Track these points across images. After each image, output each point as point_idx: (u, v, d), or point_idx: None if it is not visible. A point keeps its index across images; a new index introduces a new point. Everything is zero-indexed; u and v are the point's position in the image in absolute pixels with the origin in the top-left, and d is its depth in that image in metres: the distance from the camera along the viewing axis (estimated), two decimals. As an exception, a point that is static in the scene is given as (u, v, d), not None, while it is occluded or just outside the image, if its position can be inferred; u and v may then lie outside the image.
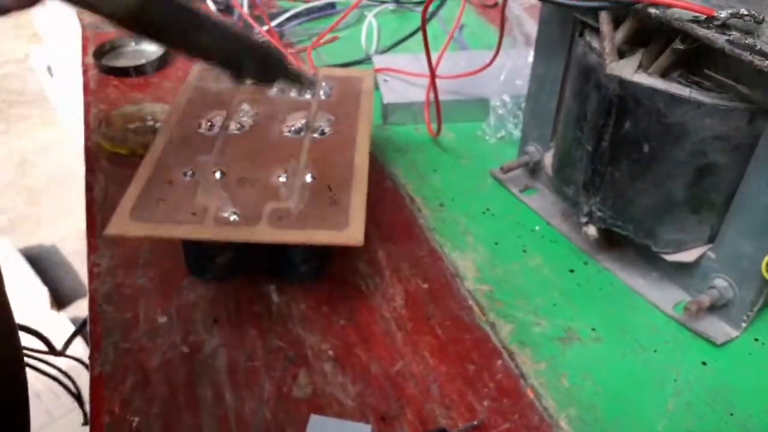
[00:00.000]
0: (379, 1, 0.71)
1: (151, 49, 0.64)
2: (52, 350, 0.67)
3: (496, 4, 0.75)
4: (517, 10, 0.58)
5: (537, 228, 0.45)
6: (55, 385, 0.99)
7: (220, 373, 0.35)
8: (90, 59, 0.62)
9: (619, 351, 0.37)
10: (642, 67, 0.35)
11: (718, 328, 0.38)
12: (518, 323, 0.38)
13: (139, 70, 0.60)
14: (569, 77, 0.41)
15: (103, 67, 0.60)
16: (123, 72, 0.60)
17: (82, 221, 0.44)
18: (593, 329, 0.38)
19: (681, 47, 0.32)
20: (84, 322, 0.84)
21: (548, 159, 0.46)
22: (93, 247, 0.42)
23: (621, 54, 0.36)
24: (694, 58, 0.33)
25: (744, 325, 0.37)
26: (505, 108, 0.53)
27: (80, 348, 0.99)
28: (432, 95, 0.50)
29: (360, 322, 0.38)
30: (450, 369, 0.36)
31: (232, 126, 0.42)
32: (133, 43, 0.65)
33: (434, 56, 0.50)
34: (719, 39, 0.30)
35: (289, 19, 0.68)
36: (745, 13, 0.30)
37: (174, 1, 0.28)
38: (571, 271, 0.42)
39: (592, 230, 0.40)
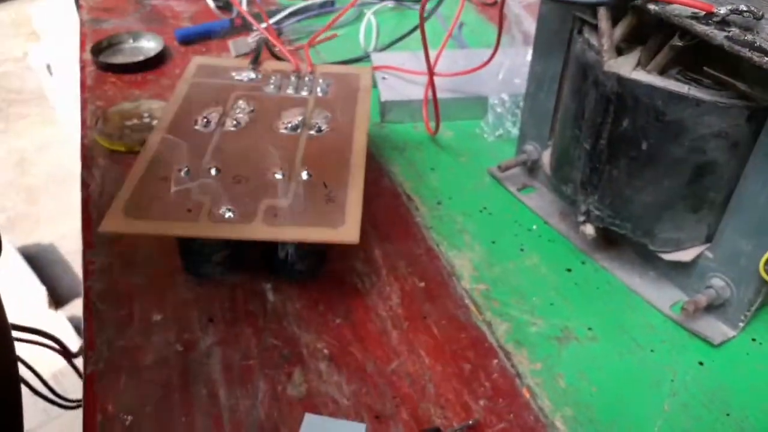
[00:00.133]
0: (378, -2, 0.71)
1: (149, 46, 0.64)
2: (66, 353, 0.67)
3: (495, 3, 0.74)
4: (516, 8, 0.58)
5: (534, 227, 0.45)
6: (53, 384, 0.99)
7: (214, 372, 0.35)
8: (87, 56, 0.61)
9: (616, 351, 0.37)
10: (640, 64, 0.35)
11: (715, 328, 0.38)
12: (514, 322, 0.38)
13: (138, 66, 0.60)
14: (567, 75, 0.41)
15: (101, 64, 0.60)
16: (121, 68, 0.60)
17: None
18: (590, 329, 0.38)
19: (679, 44, 0.32)
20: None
21: (546, 157, 0.46)
22: (88, 244, 0.42)
23: (619, 51, 0.36)
24: (693, 55, 0.33)
25: (741, 325, 0.37)
26: (504, 106, 0.53)
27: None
28: (430, 93, 0.50)
29: (356, 320, 0.38)
30: (446, 368, 0.35)
31: (228, 123, 0.42)
32: (131, 40, 0.65)
33: (433, 54, 0.50)
34: (718, 35, 0.30)
35: (287, 17, 0.67)
36: (745, 9, 0.29)
37: None
38: (569, 270, 0.42)
39: (589, 229, 0.40)
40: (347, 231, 0.35)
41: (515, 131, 0.52)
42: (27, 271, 1.20)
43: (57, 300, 1.19)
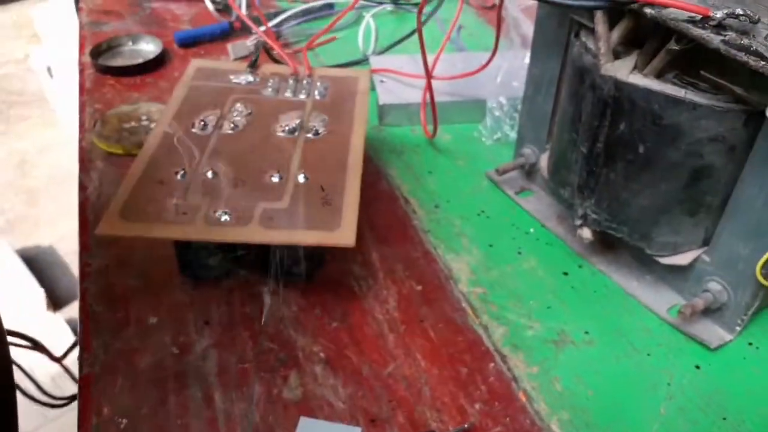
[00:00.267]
0: (377, 2, 0.71)
1: (148, 49, 0.64)
2: (50, 356, 0.67)
3: (494, 6, 0.74)
4: (514, 11, 0.58)
5: (532, 230, 0.45)
6: (51, 386, 0.99)
7: (210, 375, 0.34)
8: (86, 58, 0.61)
9: (613, 354, 0.37)
10: (637, 68, 0.35)
11: (712, 331, 0.38)
12: (511, 326, 0.38)
13: (137, 69, 0.60)
14: (565, 78, 0.41)
15: (100, 67, 0.60)
16: (120, 71, 0.60)
17: (80, 222, 0.44)
18: (587, 332, 0.38)
19: (676, 48, 0.32)
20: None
21: (544, 161, 0.46)
22: (85, 246, 0.42)
23: (616, 55, 0.36)
24: (690, 58, 0.33)
25: (738, 328, 0.37)
26: (502, 110, 0.53)
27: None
28: (428, 96, 0.50)
29: (352, 323, 0.38)
30: (442, 371, 0.35)
31: (226, 126, 0.42)
32: (130, 43, 0.65)
33: (431, 57, 0.50)
34: (714, 39, 0.30)
35: (287, 20, 0.67)
36: (741, 13, 0.29)
37: None
38: (566, 273, 0.42)
39: (586, 232, 0.40)
40: (343, 234, 0.35)
41: (513, 135, 0.52)
42: (26, 273, 1.20)
43: (55, 302, 1.19)
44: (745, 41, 0.29)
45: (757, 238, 0.34)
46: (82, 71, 0.60)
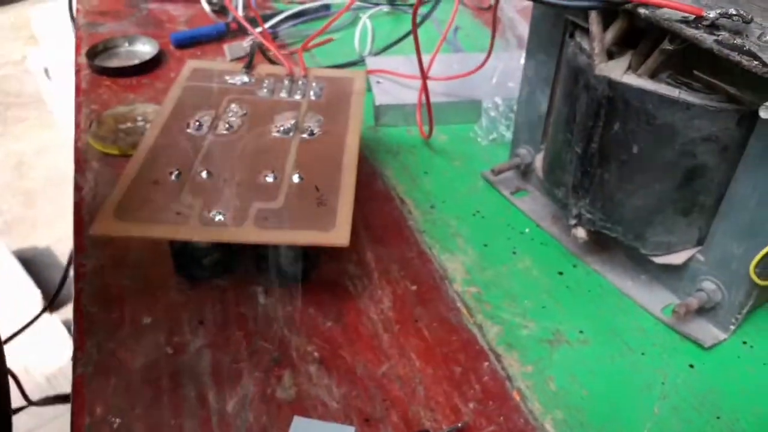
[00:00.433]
0: (374, 3, 0.71)
1: (144, 50, 0.64)
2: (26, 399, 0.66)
3: (490, 7, 0.74)
4: (510, 12, 0.58)
5: (527, 230, 0.45)
6: (47, 387, 0.99)
7: (203, 375, 0.34)
8: (83, 59, 0.61)
9: (607, 354, 0.37)
10: (631, 68, 0.35)
11: (706, 330, 0.38)
12: (506, 325, 0.38)
13: (133, 70, 0.60)
14: (559, 79, 0.41)
15: (96, 68, 0.60)
16: (116, 72, 0.60)
17: (76, 223, 0.44)
18: (581, 332, 0.38)
19: (670, 48, 0.32)
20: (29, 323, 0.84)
21: (539, 161, 0.46)
22: (80, 247, 0.42)
23: (611, 55, 0.36)
24: (684, 59, 0.33)
25: (732, 327, 0.37)
26: (497, 110, 0.53)
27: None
28: (424, 97, 0.50)
29: (347, 323, 0.38)
30: (436, 371, 0.35)
31: (221, 126, 0.42)
32: (126, 44, 0.65)
33: (427, 58, 0.50)
34: (707, 39, 0.30)
35: (283, 21, 0.67)
36: (734, 12, 0.30)
37: None
38: (561, 273, 0.42)
39: (581, 232, 0.40)
40: (338, 234, 0.35)
41: (509, 135, 0.52)
42: (23, 274, 1.20)
43: (52, 304, 1.18)
44: (738, 41, 0.29)
45: (750, 237, 0.34)
46: (78, 72, 0.60)
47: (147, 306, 0.38)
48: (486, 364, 0.36)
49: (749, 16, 0.30)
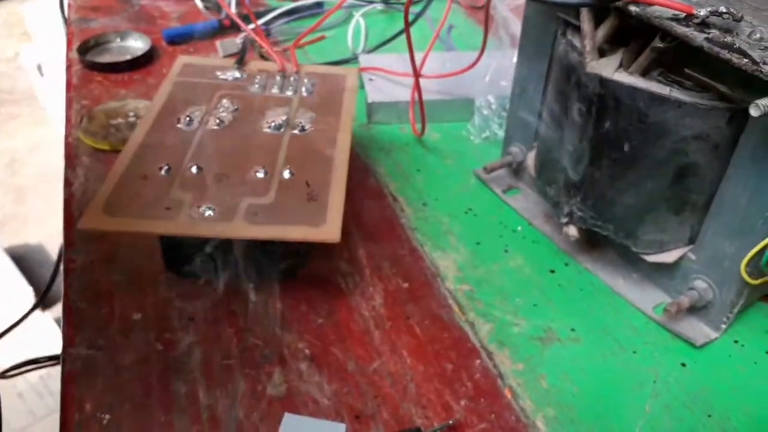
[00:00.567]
0: (367, 1, 0.71)
1: (136, 46, 0.64)
2: None
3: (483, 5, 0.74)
4: (504, 11, 0.58)
5: (519, 228, 0.45)
6: (39, 385, 0.98)
7: (194, 371, 0.34)
8: (74, 55, 0.61)
9: (599, 352, 0.37)
10: (623, 66, 0.35)
11: (697, 329, 0.38)
12: (497, 323, 0.38)
13: (125, 66, 0.60)
14: (551, 77, 0.41)
15: (88, 63, 0.60)
16: (107, 68, 0.59)
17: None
18: (573, 330, 0.38)
19: (660, 45, 0.32)
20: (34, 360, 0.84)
21: (531, 159, 0.46)
22: (70, 242, 0.41)
23: (602, 53, 0.36)
24: (675, 57, 0.33)
25: (724, 326, 0.37)
26: (490, 108, 0.53)
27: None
28: (417, 95, 0.50)
29: (338, 320, 0.38)
30: (427, 368, 0.35)
31: (212, 121, 0.42)
32: (118, 39, 0.64)
33: (420, 56, 0.50)
34: (698, 37, 0.30)
35: (276, 18, 0.67)
36: (724, 10, 0.30)
37: None
38: (552, 271, 0.42)
39: (572, 230, 0.40)
40: (328, 229, 0.34)
41: (501, 133, 0.52)
42: (14, 271, 1.20)
43: (44, 301, 1.18)
44: (728, 39, 0.29)
45: (741, 236, 0.34)
46: (69, 67, 0.60)
47: (137, 302, 0.38)
48: (477, 361, 0.36)
49: (739, 14, 0.30)
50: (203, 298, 0.38)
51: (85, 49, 0.62)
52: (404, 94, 0.54)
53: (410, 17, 0.46)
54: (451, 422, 0.32)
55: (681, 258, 0.38)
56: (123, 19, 0.69)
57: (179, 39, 0.65)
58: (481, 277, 0.41)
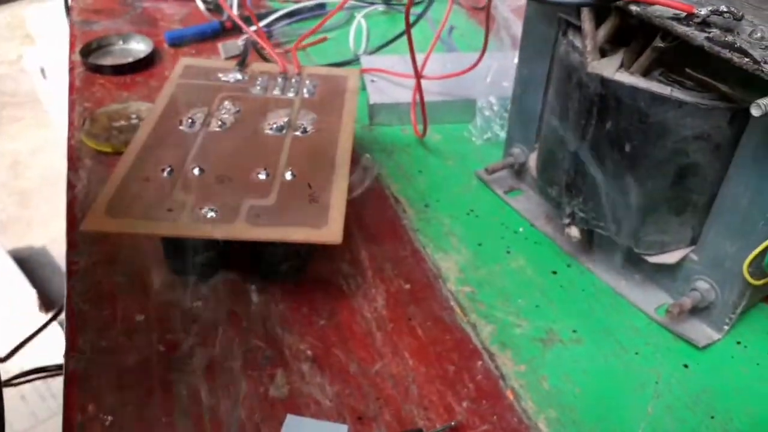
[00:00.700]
0: (369, 2, 0.71)
1: (138, 48, 0.64)
2: None
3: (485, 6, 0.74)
4: (505, 12, 0.58)
5: (521, 229, 0.45)
6: (41, 387, 0.99)
7: (196, 373, 0.34)
8: (77, 57, 0.61)
9: (601, 353, 0.37)
10: (623, 65, 0.35)
11: (700, 330, 0.38)
12: (499, 324, 0.38)
13: (127, 68, 0.60)
14: (552, 77, 0.41)
15: (90, 65, 0.60)
16: (110, 70, 0.60)
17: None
18: (575, 331, 0.38)
19: (661, 45, 0.32)
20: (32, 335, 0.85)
21: (533, 160, 0.46)
22: (72, 244, 0.41)
23: (603, 53, 0.36)
24: (676, 56, 0.33)
25: (726, 327, 0.37)
26: (492, 110, 0.53)
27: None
28: (418, 96, 0.50)
29: (340, 322, 0.38)
30: (429, 370, 0.35)
31: (214, 123, 0.42)
32: (120, 42, 0.65)
33: (421, 57, 0.50)
34: (698, 36, 0.30)
35: (278, 20, 0.67)
36: (725, 10, 0.30)
37: None
38: (554, 272, 0.42)
39: (574, 231, 0.40)
40: (330, 231, 0.34)
41: (503, 134, 0.52)
42: (18, 274, 1.20)
43: (47, 303, 1.18)
44: (729, 38, 0.29)
45: (743, 236, 0.34)
46: (72, 70, 0.60)
47: (139, 304, 0.38)
48: (479, 363, 0.36)
49: (740, 14, 0.30)
50: (205, 300, 0.38)
51: (87, 51, 0.62)
52: (406, 95, 0.54)
53: (411, 18, 0.46)
54: (453, 424, 0.32)
55: (683, 259, 0.38)
56: (125, 22, 0.69)
57: (181, 41, 0.65)
58: (483, 279, 0.41)
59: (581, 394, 0.35)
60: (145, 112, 0.53)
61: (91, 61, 0.60)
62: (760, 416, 0.34)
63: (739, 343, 0.38)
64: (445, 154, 0.52)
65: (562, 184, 0.40)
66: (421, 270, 0.42)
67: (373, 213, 0.46)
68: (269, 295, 0.39)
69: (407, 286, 0.40)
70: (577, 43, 0.37)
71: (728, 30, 0.30)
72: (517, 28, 0.57)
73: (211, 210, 0.35)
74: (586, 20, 0.35)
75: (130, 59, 0.61)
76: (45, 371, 0.99)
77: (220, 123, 0.42)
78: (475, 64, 0.52)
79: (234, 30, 0.66)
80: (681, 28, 0.30)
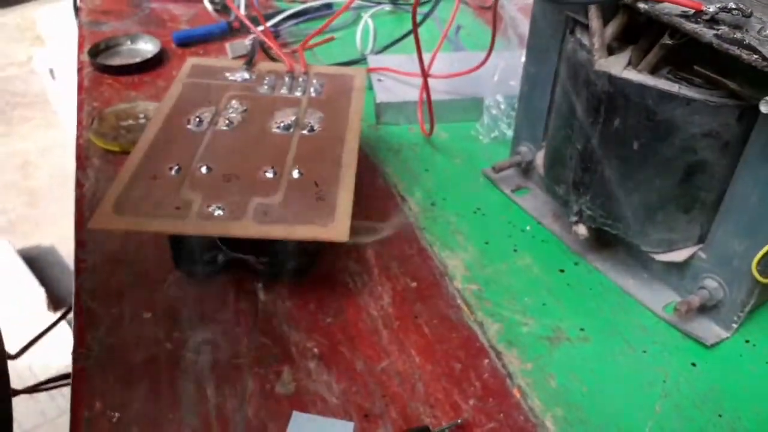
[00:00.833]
0: (376, 2, 0.71)
1: (146, 48, 0.64)
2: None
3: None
4: (512, 11, 0.58)
5: (528, 228, 0.45)
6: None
7: (203, 370, 0.34)
8: (85, 57, 0.61)
9: (608, 351, 0.37)
10: (631, 63, 0.35)
11: (708, 329, 0.37)
12: (506, 322, 0.38)
13: (135, 68, 0.60)
14: (560, 75, 0.41)
15: (98, 66, 0.60)
16: (118, 70, 0.60)
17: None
18: (582, 329, 0.38)
19: (669, 42, 0.32)
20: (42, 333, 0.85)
21: (540, 159, 0.46)
22: (81, 243, 0.42)
23: (611, 51, 0.36)
24: (684, 53, 0.33)
25: (735, 326, 0.37)
26: (499, 108, 0.53)
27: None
28: (425, 95, 0.50)
29: (347, 320, 0.38)
30: (436, 368, 0.35)
31: (221, 122, 0.42)
32: (128, 42, 0.65)
33: (428, 56, 0.50)
34: (707, 34, 0.30)
35: (285, 20, 0.67)
36: (734, 7, 0.29)
37: None
38: (562, 270, 0.42)
39: (582, 229, 0.40)
40: (337, 229, 0.34)
41: (510, 133, 0.51)
42: (27, 273, 1.21)
43: (56, 302, 1.19)
44: (738, 35, 0.29)
45: (752, 234, 0.34)
46: (80, 70, 0.61)
47: (147, 301, 0.38)
48: (486, 361, 0.36)
49: (749, 11, 0.30)
50: (212, 298, 0.38)
51: (96, 51, 0.62)
52: (413, 94, 0.54)
53: (418, 18, 0.46)
54: (459, 421, 0.32)
55: (691, 257, 0.38)
56: (133, 23, 0.69)
57: (189, 41, 0.65)
58: (490, 277, 0.41)
59: (588, 392, 0.34)
60: (153, 111, 0.53)
61: (99, 62, 0.60)
62: (768, 415, 0.34)
63: (747, 341, 0.38)
64: (452, 153, 0.52)
65: (569, 182, 0.40)
66: (427, 268, 0.42)
67: (380, 211, 0.46)
68: (276, 293, 0.39)
69: (414, 284, 0.40)
70: (585, 41, 0.37)
71: (737, 27, 0.29)
72: (525, 26, 0.57)
73: (219, 208, 0.35)
74: (594, 18, 0.35)
75: (138, 59, 0.61)
76: (67, 378, 0.99)
77: (227, 122, 0.42)
78: (482, 63, 0.52)
79: (241, 30, 0.66)
80: (689, 26, 0.30)
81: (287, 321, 0.37)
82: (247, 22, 0.55)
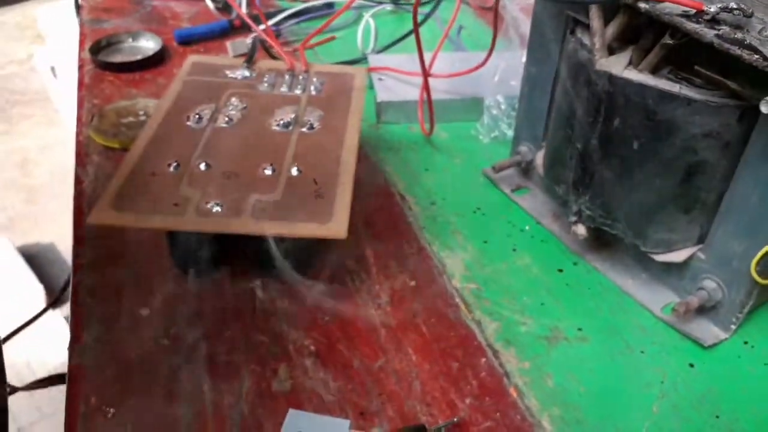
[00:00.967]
0: (377, 1, 0.71)
1: (147, 46, 0.64)
2: None
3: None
4: (513, 11, 0.58)
5: (527, 227, 0.45)
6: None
7: (199, 367, 0.34)
8: (86, 54, 0.61)
9: (606, 351, 0.37)
10: (632, 63, 0.35)
11: (706, 329, 0.37)
12: (504, 322, 0.38)
13: (136, 65, 0.60)
14: (560, 75, 0.41)
15: (99, 63, 0.60)
16: (119, 67, 0.60)
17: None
18: (580, 329, 0.38)
19: (670, 42, 0.32)
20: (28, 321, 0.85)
21: (540, 158, 0.45)
22: (78, 239, 0.42)
23: (611, 50, 0.36)
24: (685, 54, 0.33)
25: (733, 327, 0.37)
26: (499, 108, 0.53)
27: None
28: (425, 94, 0.50)
29: (345, 318, 0.38)
30: (433, 366, 0.35)
31: (221, 119, 0.42)
32: (130, 39, 0.65)
33: (429, 56, 0.50)
34: (708, 34, 0.30)
35: (286, 19, 0.68)
36: (735, 7, 0.29)
37: None
38: (560, 270, 0.42)
39: (581, 229, 0.40)
40: (335, 226, 0.34)
41: (510, 133, 0.51)
42: (26, 270, 1.21)
43: (55, 299, 1.18)
44: (739, 35, 0.29)
45: (751, 235, 0.34)
46: (81, 67, 0.61)
47: (144, 298, 0.38)
48: (483, 360, 0.36)
49: (750, 11, 0.30)
50: (210, 294, 0.38)
51: (97, 49, 0.62)
52: (413, 93, 0.54)
53: (419, 17, 0.46)
54: (455, 420, 0.32)
55: (690, 257, 0.37)
56: (135, 20, 0.69)
57: (190, 39, 0.65)
58: (489, 276, 0.41)
59: (586, 392, 0.34)
60: (153, 108, 0.53)
61: (100, 59, 0.60)
62: (766, 417, 0.34)
63: (746, 342, 0.37)
64: (452, 152, 0.52)
65: (569, 182, 0.40)
66: (426, 267, 0.41)
67: (379, 210, 0.46)
68: (274, 290, 0.39)
69: (412, 283, 0.40)
70: (586, 41, 0.37)
71: (738, 27, 0.29)
72: (526, 27, 0.57)
73: (217, 205, 0.35)
74: (595, 18, 0.35)
75: (139, 57, 0.61)
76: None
77: (227, 119, 0.42)
78: (483, 63, 0.52)
79: (242, 28, 0.66)
80: (690, 25, 0.30)
81: (284, 319, 0.37)
82: (249, 21, 0.55)
